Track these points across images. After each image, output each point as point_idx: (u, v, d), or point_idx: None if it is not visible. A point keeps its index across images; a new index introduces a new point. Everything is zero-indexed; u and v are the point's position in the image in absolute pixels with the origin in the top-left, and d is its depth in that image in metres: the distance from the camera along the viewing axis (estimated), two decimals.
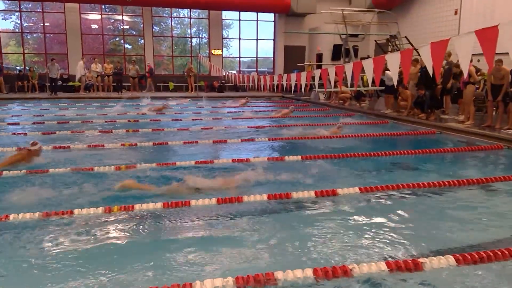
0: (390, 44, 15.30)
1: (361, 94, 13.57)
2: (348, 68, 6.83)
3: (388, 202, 4.25)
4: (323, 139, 7.70)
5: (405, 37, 14.20)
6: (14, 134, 7.98)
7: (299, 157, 5.96)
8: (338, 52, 17.73)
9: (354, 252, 3.04)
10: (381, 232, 3.45)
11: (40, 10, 19.00)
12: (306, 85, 8.89)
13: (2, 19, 18.72)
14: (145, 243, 3.23)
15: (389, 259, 2.85)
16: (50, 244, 3.15)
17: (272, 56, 22.30)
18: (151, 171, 5.18)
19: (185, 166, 5.44)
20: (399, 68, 5.75)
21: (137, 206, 3.86)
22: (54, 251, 3.03)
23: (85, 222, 3.57)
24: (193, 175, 4.81)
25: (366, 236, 3.36)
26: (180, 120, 10.41)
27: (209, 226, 3.57)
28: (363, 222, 3.70)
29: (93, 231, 3.39)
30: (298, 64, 19.19)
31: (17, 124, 9.54)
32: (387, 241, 3.26)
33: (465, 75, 7.81)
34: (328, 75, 7.54)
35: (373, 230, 3.47)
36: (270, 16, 21.65)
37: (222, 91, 19.97)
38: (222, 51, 21.34)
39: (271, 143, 7.45)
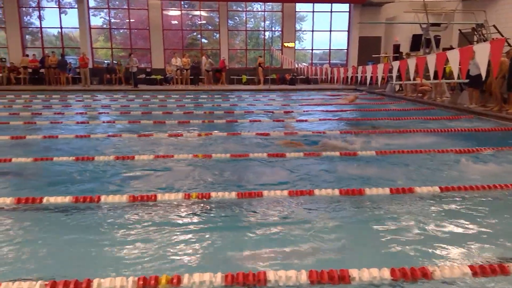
0: (476, 33, 14.11)
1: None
2: (431, 59, 6.44)
3: (469, 203, 3.98)
4: (401, 133, 7.36)
5: (494, 26, 13.00)
6: (104, 122, 8.71)
7: (373, 152, 5.78)
8: (417, 43, 16.76)
9: (434, 254, 2.91)
10: (463, 233, 3.25)
11: (126, 7, 20.39)
12: (383, 78, 8.55)
13: (93, 15, 20.38)
14: (220, 231, 3.36)
15: (473, 262, 2.69)
16: (133, 226, 3.43)
17: (346, 48, 21.72)
18: (226, 161, 5.38)
19: (258, 158, 5.56)
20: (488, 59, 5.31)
21: (213, 194, 4.04)
22: (133, 234, 3.29)
23: (166, 206, 3.82)
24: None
25: (447, 237, 3.19)
26: (252, 112, 10.60)
27: (280, 218, 3.61)
28: (443, 222, 3.51)
29: (172, 216, 3.62)
30: (373, 56, 18.49)
31: (107, 113, 10.41)
32: (469, 243, 3.07)
33: None
34: (408, 66, 7.18)
35: (454, 232, 3.28)
36: (345, 6, 21.07)
37: (293, 83, 19.93)
38: (294, 43, 21.25)
39: (344, 136, 7.30)
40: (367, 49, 20.07)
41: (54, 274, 2.53)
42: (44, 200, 3.75)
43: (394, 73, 8.77)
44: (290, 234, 3.28)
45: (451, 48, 13.36)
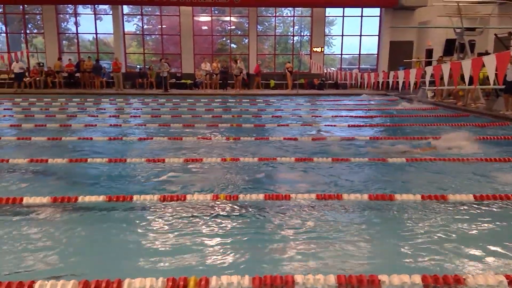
0: None
1: None
2: (466, 64, 6.26)
3: (504, 212, 3.84)
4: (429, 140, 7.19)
5: None
6: (135, 125, 8.94)
7: (404, 159, 5.67)
8: (451, 47, 16.30)
9: (467, 261, 2.83)
10: (497, 242, 3.14)
11: (159, 14, 20.89)
12: (415, 83, 8.37)
13: (126, 22, 20.99)
14: (247, 233, 3.38)
15: (509, 271, 2.59)
16: (162, 226, 3.50)
17: (376, 53, 21.40)
18: (254, 164, 5.42)
19: (286, 162, 5.57)
20: None
21: (240, 196, 4.07)
22: (163, 234, 3.36)
23: (194, 207, 3.88)
24: None
25: (481, 246, 3.09)
26: (280, 116, 10.60)
27: (308, 221, 3.59)
28: (477, 230, 3.41)
29: (201, 216, 3.67)
30: (404, 61, 18.13)
31: (138, 116, 10.68)
32: (504, 252, 2.97)
33: None
34: (442, 72, 7.00)
35: (488, 240, 3.18)
36: (376, 11, 20.78)
37: (322, 88, 19.80)
38: (323, 48, 21.13)
39: (371, 142, 7.20)
40: (398, 53, 19.69)
41: (86, 273, 2.62)
42: (79, 200, 3.88)
43: (427, 79, 8.57)
44: (318, 237, 3.26)
45: (487, 53, 12.94)
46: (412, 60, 18.46)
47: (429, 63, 16.43)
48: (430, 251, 3.01)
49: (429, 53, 18.33)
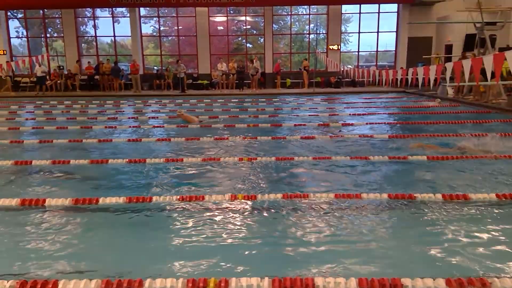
0: None
1: None
2: (488, 60, 6.11)
3: None
4: (452, 136, 7.04)
5: None
6: (154, 126, 9.04)
7: (425, 158, 5.56)
8: (471, 42, 15.94)
9: (493, 264, 2.75)
10: None
11: (175, 15, 21.07)
12: (435, 79, 8.20)
13: (143, 24, 21.23)
14: (266, 233, 3.37)
15: None
16: (182, 226, 3.52)
17: (394, 49, 21.09)
18: (271, 164, 5.40)
19: (302, 161, 5.53)
20: None
21: (258, 196, 4.07)
22: (182, 234, 3.38)
23: (213, 207, 3.90)
24: None
25: (506, 247, 3.00)
26: (297, 115, 10.55)
27: (327, 221, 3.56)
28: (501, 232, 3.31)
29: (219, 216, 3.68)
30: (423, 57, 17.81)
31: (156, 118, 10.79)
32: None
33: None
34: (463, 68, 6.85)
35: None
36: (393, 7, 20.48)
37: (338, 86, 19.63)
38: (340, 46, 20.95)
39: (391, 141, 7.09)
40: (417, 50, 19.36)
41: (108, 272, 2.65)
42: (100, 201, 3.94)
43: (448, 75, 8.38)
44: (338, 239, 3.23)
45: (508, 48, 12.60)
46: (431, 56, 18.12)
47: (448, 59, 16.10)
48: (454, 253, 2.94)
49: (449, 48, 17.96)
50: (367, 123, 8.85)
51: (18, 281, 2.42)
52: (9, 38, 20.58)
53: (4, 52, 19.76)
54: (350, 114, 10.60)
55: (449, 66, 7.41)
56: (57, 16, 21.05)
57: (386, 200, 3.95)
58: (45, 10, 20.58)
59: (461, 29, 16.78)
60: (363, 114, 10.50)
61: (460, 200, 3.93)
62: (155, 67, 21.82)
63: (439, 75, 9.01)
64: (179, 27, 21.32)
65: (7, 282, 2.43)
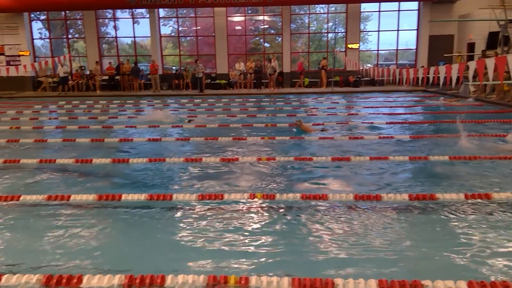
0: None
1: None
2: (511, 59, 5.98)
3: None
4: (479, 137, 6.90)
5: None
6: (173, 126, 9.13)
7: (447, 158, 5.47)
8: (494, 41, 15.56)
9: None
10: None
11: (193, 15, 21.24)
12: (458, 78, 8.05)
13: (162, 25, 21.47)
14: (284, 233, 3.39)
15: None
16: (201, 223, 3.56)
17: (414, 48, 20.75)
18: (290, 164, 5.41)
19: (321, 161, 5.51)
20: None
21: (277, 196, 4.08)
22: (202, 231, 3.42)
23: (232, 205, 3.93)
24: None
25: None
26: (315, 115, 10.51)
27: (346, 222, 3.55)
28: None
29: (238, 215, 3.71)
30: (444, 55, 17.48)
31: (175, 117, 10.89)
32: None
33: None
34: (486, 66, 6.71)
35: None
36: (414, 4, 20.16)
37: (357, 86, 19.45)
38: (359, 44, 20.74)
39: (412, 141, 6.99)
40: (438, 48, 19.01)
41: (130, 268, 2.70)
42: (123, 198, 4.03)
43: (471, 74, 8.21)
44: (357, 239, 3.21)
45: None
46: (453, 54, 17.77)
47: (470, 58, 15.76)
48: (476, 255, 2.89)
49: (471, 47, 17.58)
50: (387, 123, 8.75)
51: (44, 275, 2.50)
52: (33, 39, 21.11)
53: (28, 53, 20.31)
54: (369, 114, 10.50)
55: (472, 64, 7.26)
56: (78, 17, 21.48)
57: (407, 201, 3.91)
58: (67, 11, 21.03)
59: (483, 27, 16.39)
60: (383, 114, 10.38)
61: (483, 200, 3.86)
62: (174, 67, 22.05)
63: (461, 74, 8.83)
64: (197, 27, 21.48)
65: (34, 276, 2.51)
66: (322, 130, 7.96)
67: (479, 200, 3.86)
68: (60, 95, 18.28)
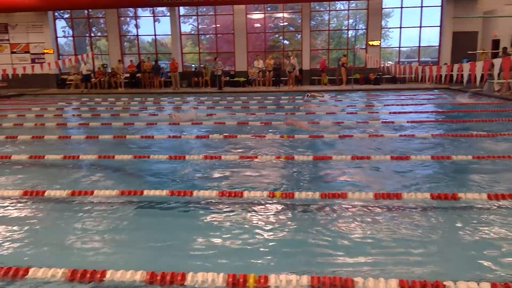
0: None
1: None
2: None
3: None
4: (498, 136, 6.73)
5: None
6: (192, 123, 9.22)
7: (470, 157, 5.36)
8: None
9: None
10: None
11: (213, 13, 21.34)
12: (482, 76, 7.84)
13: (182, 23, 21.65)
14: (304, 231, 3.38)
15: None
16: (221, 220, 3.60)
17: (438, 44, 20.32)
18: (309, 163, 5.39)
19: (340, 160, 5.48)
20: None
21: (296, 194, 4.07)
22: (222, 229, 3.45)
23: (251, 203, 3.95)
24: None
25: None
26: (335, 113, 10.43)
27: (366, 221, 3.52)
28: None
29: (257, 213, 3.73)
30: (468, 52, 17.07)
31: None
32: None
33: None
34: None
35: None
36: (437, 1, 19.73)
37: (378, 83, 19.19)
38: (380, 41, 20.44)
39: (434, 139, 6.87)
40: (461, 45, 18.57)
41: (151, 264, 2.76)
42: (145, 193, 4.10)
43: (496, 71, 7.99)
44: (376, 239, 3.19)
45: None
46: (477, 51, 17.33)
47: (495, 55, 15.34)
48: (500, 256, 2.83)
49: (495, 44, 17.10)
50: (408, 121, 8.62)
51: (69, 270, 2.57)
52: (56, 37, 21.61)
53: (52, 51, 20.81)
54: (390, 112, 10.35)
55: (497, 62, 7.07)
56: (101, 16, 21.88)
57: (428, 200, 3.86)
58: (90, 10, 21.43)
59: (508, 23, 15.94)
60: (404, 112, 10.22)
61: (507, 199, 3.77)
62: (193, 65, 22.22)
63: (486, 71, 8.61)
64: (217, 25, 21.56)
65: (60, 269, 2.59)
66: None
67: (503, 200, 3.77)
68: (83, 92, 18.67)
